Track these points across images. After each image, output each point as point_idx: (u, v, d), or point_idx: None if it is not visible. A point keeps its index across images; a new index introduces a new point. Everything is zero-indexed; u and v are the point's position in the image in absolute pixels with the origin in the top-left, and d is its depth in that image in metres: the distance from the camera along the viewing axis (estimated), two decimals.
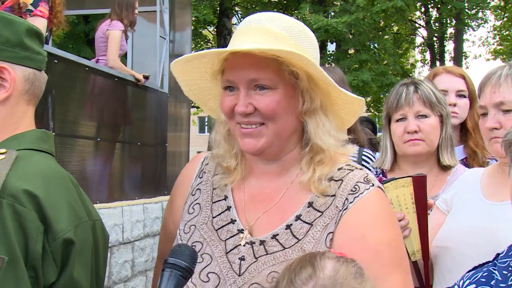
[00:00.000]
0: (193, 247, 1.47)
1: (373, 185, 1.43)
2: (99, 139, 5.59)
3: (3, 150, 1.31)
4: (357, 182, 1.43)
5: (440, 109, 2.31)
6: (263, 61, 1.37)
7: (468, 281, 1.39)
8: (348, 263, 1.25)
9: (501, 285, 1.30)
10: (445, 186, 2.25)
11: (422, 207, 1.92)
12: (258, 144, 1.42)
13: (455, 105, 2.69)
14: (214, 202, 1.55)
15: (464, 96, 2.73)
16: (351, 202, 1.40)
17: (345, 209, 1.40)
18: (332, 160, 1.47)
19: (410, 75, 22.51)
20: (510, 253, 1.36)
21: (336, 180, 1.45)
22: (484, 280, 1.35)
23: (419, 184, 1.92)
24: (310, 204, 1.44)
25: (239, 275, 1.40)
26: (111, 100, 5.88)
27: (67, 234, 1.29)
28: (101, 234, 1.48)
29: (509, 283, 1.29)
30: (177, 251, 1.24)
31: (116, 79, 5.86)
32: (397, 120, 2.33)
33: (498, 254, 1.40)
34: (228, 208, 1.52)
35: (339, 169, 1.47)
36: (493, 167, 1.99)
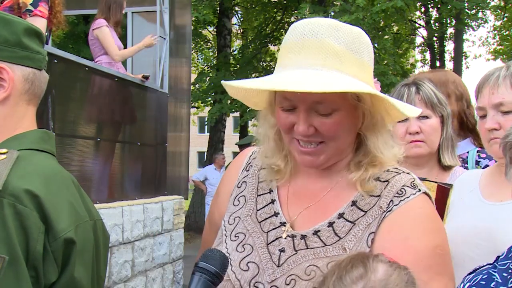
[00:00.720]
0: (236, 238, 1.50)
1: (419, 190, 1.42)
2: (99, 139, 5.59)
3: (4, 150, 1.31)
4: (403, 185, 1.42)
5: (441, 110, 2.31)
6: None
7: (468, 284, 1.39)
8: (400, 269, 1.22)
9: (501, 287, 1.30)
10: None
11: (440, 216, 1.92)
12: (317, 161, 1.42)
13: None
14: (259, 195, 1.56)
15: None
16: (396, 205, 1.39)
17: (389, 211, 1.38)
18: (382, 162, 1.46)
19: (410, 75, 22.49)
20: (510, 255, 1.36)
21: (382, 181, 1.44)
22: (484, 282, 1.35)
23: (443, 194, 1.92)
24: (354, 203, 1.43)
25: (278, 266, 1.41)
26: (111, 100, 5.88)
27: (68, 233, 1.29)
28: (102, 234, 1.48)
29: (509, 285, 1.29)
30: (209, 256, 1.25)
31: (116, 79, 5.86)
32: (399, 121, 2.33)
33: (498, 257, 1.40)
34: (272, 201, 1.53)
35: (386, 170, 1.46)
36: (492, 168, 2.00)
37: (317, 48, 1.32)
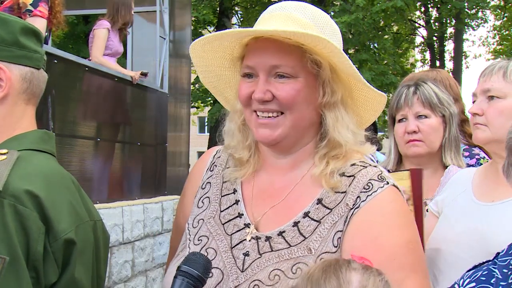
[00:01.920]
0: (199, 241, 1.46)
1: (387, 183, 1.37)
2: (99, 139, 5.59)
3: (5, 151, 1.31)
4: (370, 179, 1.37)
5: (442, 110, 2.30)
6: (286, 48, 1.34)
7: (468, 280, 1.38)
8: (375, 276, 1.17)
9: (502, 283, 1.30)
10: (439, 187, 2.24)
11: (418, 199, 1.92)
12: (274, 134, 1.39)
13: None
14: (223, 196, 1.53)
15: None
16: (363, 201, 1.34)
17: (357, 207, 1.34)
18: (347, 155, 1.42)
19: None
20: (510, 252, 1.35)
21: (347, 176, 1.39)
22: (484, 278, 1.35)
23: (416, 177, 1.93)
24: (320, 201, 1.39)
25: (242, 271, 1.37)
26: (111, 100, 5.89)
27: (68, 234, 1.29)
28: (102, 234, 1.48)
29: (510, 281, 1.29)
30: (191, 259, 1.24)
31: (116, 79, 5.86)
32: (399, 121, 2.34)
33: (498, 253, 1.40)
34: (237, 202, 1.49)
35: (352, 164, 1.42)
36: (485, 167, 1.99)
37: (284, 18, 1.38)
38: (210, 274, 1.36)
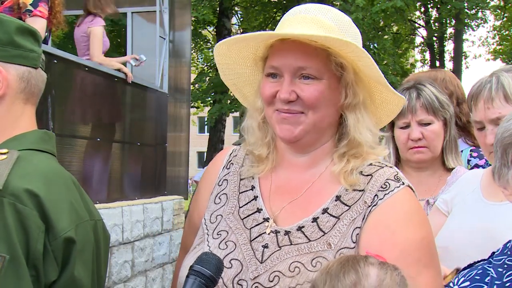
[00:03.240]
0: (219, 235, 1.48)
1: (403, 183, 1.42)
2: (99, 139, 5.59)
3: (5, 151, 1.31)
4: (387, 179, 1.42)
5: (444, 113, 2.27)
6: (312, 50, 1.38)
7: (462, 279, 1.39)
8: (392, 271, 1.21)
9: (496, 282, 1.31)
10: (445, 186, 2.24)
11: None
12: (296, 131, 1.42)
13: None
14: (241, 193, 1.55)
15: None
16: (381, 199, 1.39)
17: (374, 205, 1.38)
18: (364, 155, 1.46)
19: (410, 75, 22.48)
20: (505, 251, 1.36)
21: (365, 175, 1.44)
22: (478, 277, 1.35)
23: None
24: (338, 198, 1.43)
25: (261, 262, 1.39)
26: (111, 100, 5.89)
27: (68, 233, 1.30)
28: (102, 234, 1.48)
29: (504, 280, 1.29)
30: (204, 259, 1.24)
31: (116, 79, 5.86)
32: (401, 127, 2.30)
33: (493, 253, 1.40)
34: (255, 197, 1.52)
35: (369, 164, 1.46)
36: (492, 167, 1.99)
37: (309, 21, 1.41)
38: (229, 265, 1.40)
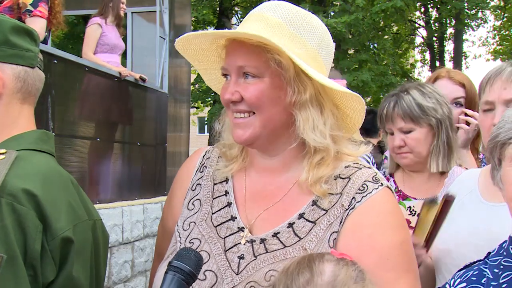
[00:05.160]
0: (191, 244, 1.44)
1: (382, 184, 1.38)
2: (99, 139, 5.59)
3: (3, 151, 1.31)
4: (365, 181, 1.38)
5: (427, 120, 2.23)
6: (252, 49, 1.36)
7: (459, 280, 1.38)
8: (348, 266, 1.19)
9: (492, 283, 1.30)
10: (443, 189, 2.23)
11: (437, 227, 1.90)
12: (246, 134, 1.39)
13: None
14: (215, 198, 1.51)
15: (461, 104, 2.70)
16: (358, 202, 1.35)
17: (352, 208, 1.35)
18: (337, 159, 1.42)
19: (410, 75, 22.53)
20: (501, 252, 1.35)
21: (343, 178, 1.40)
22: (474, 278, 1.35)
23: (446, 205, 1.90)
24: (315, 203, 1.39)
25: (237, 274, 1.36)
26: (110, 100, 5.89)
27: (65, 233, 1.29)
28: (101, 234, 1.48)
29: (501, 281, 1.29)
30: (183, 255, 1.22)
31: (116, 79, 5.86)
32: (389, 134, 2.34)
33: (489, 253, 1.40)
34: (229, 204, 1.48)
35: (346, 167, 1.42)
36: (490, 168, 1.98)
37: (256, 19, 1.40)
38: (203, 277, 1.36)
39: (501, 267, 1.31)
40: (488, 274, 1.32)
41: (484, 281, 1.31)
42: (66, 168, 1.50)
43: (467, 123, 2.53)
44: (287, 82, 1.38)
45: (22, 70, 1.41)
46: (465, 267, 1.42)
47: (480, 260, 1.40)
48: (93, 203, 1.51)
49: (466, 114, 2.54)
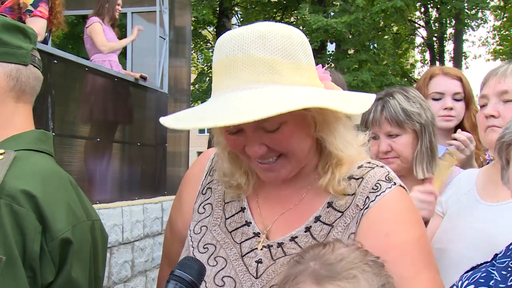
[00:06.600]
0: (206, 249, 1.43)
1: (395, 183, 1.37)
2: (99, 139, 5.59)
3: (1, 151, 1.30)
4: (378, 180, 1.37)
5: (412, 125, 2.18)
6: None
7: (466, 282, 1.38)
8: (361, 252, 1.20)
9: (501, 285, 1.30)
10: (443, 187, 2.23)
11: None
12: (280, 175, 1.35)
13: (451, 108, 2.66)
14: (227, 203, 1.48)
15: (460, 99, 2.70)
16: (372, 201, 1.34)
17: (367, 208, 1.34)
18: (349, 161, 1.40)
19: (410, 75, 22.54)
20: (508, 253, 1.35)
21: (356, 179, 1.38)
22: (482, 280, 1.35)
23: None
24: (330, 204, 1.38)
25: (256, 278, 1.34)
26: (110, 100, 5.89)
27: (65, 234, 1.29)
28: (100, 234, 1.47)
29: (509, 283, 1.29)
30: (186, 264, 1.21)
31: (116, 79, 5.86)
32: (373, 138, 2.23)
33: (496, 255, 1.39)
34: (242, 209, 1.46)
35: (359, 167, 1.40)
36: (488, 167, 1.98)
37: (247, 65, 1.21)
38: (222, 283, 1.35)
39: (509, 269, 1.31)
40: (496, 276, 1.32)
41: (492, 283, 1.31)
42: (66, 168, 1.50)
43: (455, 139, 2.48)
44: (312, 118, 1.31)
45: (14, 68, 1.39)
46: (472, 268, 1.42)
47: (487, 262, 1.40)
48: (93, 203, 1.50)
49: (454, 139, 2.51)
